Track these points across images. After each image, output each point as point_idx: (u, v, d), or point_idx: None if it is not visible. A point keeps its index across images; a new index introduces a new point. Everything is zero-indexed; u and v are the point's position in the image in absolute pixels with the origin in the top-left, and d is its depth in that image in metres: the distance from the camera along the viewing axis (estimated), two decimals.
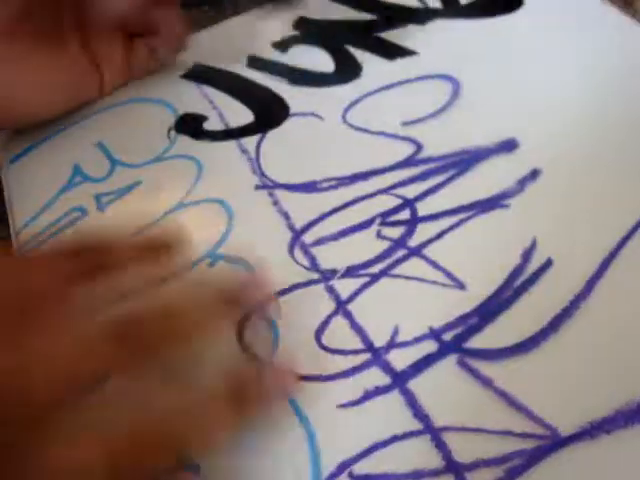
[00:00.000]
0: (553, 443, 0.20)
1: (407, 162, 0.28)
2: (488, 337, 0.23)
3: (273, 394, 0.22)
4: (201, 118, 0.32)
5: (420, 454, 0.21)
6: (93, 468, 0.18)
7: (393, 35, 0.33)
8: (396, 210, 0.26)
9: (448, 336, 0.23)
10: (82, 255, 0.22)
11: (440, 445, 0.21)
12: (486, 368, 0.22)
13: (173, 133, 0.31)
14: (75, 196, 0.30)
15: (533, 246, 0.25)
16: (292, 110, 0.31)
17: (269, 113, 0.31)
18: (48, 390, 0.18)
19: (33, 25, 0.29)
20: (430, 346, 0.23)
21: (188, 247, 0.25)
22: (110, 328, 0.20)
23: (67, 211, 0.29)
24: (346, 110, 0.30)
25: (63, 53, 0.30)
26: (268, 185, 0.28)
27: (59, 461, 0.18)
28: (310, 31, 0.35)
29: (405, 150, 0.28)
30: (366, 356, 0.23)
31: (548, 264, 0.24)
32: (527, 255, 0.24)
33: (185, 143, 0.31)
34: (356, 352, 0.23)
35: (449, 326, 0.23)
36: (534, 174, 0.27)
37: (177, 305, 0.21)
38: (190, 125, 0.31)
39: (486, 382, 0.22)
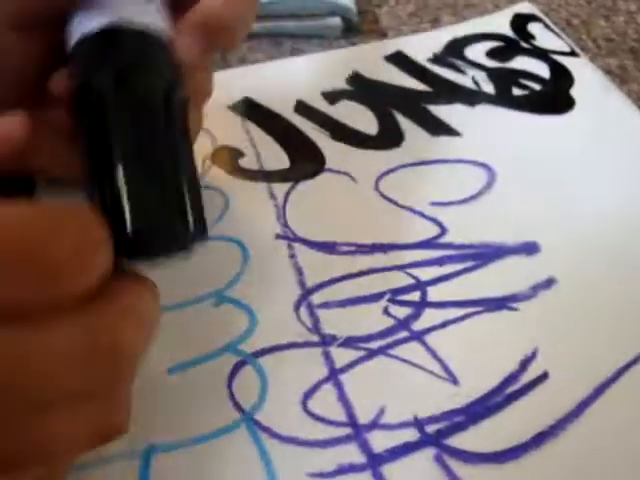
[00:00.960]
0: None
1: (428, 243, 0.28)
2: (470, 438, 0.23)
3: None
4: (238, 154, 0.32)
5: None
6: None
7: (441, 111, 0.34)
8: (407, 290, 0.27)
9: (431, 428, 0.23)
10: None
11: None
12: (461, 469, 0.22)
13: (208, 163, 0.32)
14: None
15: (533, 355, 0.25)
16: (327, 165, 0.32)
17: (305, 163, 0.32)
18: None
19: None
20: (411, 435, 0.23)
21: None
22: None
23: None
24: (380, 177, 0.31)
25: None
26: (289, 236, 0.29)
27: None
28: (362, 89, 0.35)
29: (428, 230, 0.29)
30: (347, 430, 0.23)
31: (544, 377, 0.24)
32: (525, 363, 0.24)
33: (217, 175, 0.31)
34: (338, 424, 0.23)
35: (434, 419, 0.23)
36: (549, 283, 0.27)
37: None
38: (225, 159, 0.32)
39: None
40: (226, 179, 0.31)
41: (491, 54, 0.37)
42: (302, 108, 0.34)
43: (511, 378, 0.24)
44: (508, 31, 0.38)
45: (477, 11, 0.42)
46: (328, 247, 0.28)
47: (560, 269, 0.27)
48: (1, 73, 0.25)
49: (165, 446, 0.23)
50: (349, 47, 0.39)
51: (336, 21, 0.40)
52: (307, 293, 0.27)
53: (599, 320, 0.26)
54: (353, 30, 0.41)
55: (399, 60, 0.37)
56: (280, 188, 0.31)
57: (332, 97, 0.35)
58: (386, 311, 0.26)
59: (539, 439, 0.23)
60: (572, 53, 0.37)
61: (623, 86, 0.37)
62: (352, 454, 0.23)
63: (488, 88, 0.35)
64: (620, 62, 0.39)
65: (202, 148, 0.32)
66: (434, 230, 0.29)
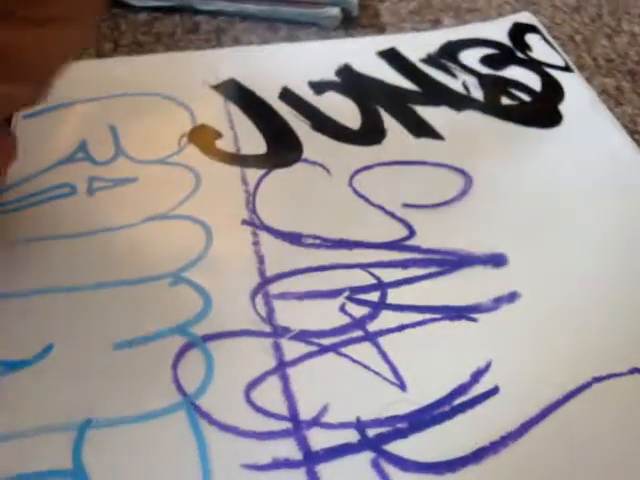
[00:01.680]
0: None
1: (394, 245, 0.28)
2: (410, 446, 0.22)
3: None
4: (216, 134, 0.32)
5: None
6: None
7: (427, 112, 0.33)
8: (367, 289, 0.26)
9: (372, 432, 0.23)
10: None
11: None
12: (397, 476, 0.22)
13: (184, 140, 0.31)
14: (72, 171, 0.30)
15: (486, 369, 0.24)
16: (304, 155, 0.31)
17: (282, 151, 0.31)
18: None
19: None
20: (351, 436, 0.22)
21: None
22: None
23: (59, 184, 0.29)
24: (355, 173, 0.30)
25: None
26: (255, 223, 0.28)
27: None
28: (349, 82, 0.35)
29: (397, 232, 0.28)
30: (287, 425, 0.23)
31: (494, 391, 0.24)
32: (477, 376, 0.24)
33: (192, 154, 0.31)
34: (279, 417, 0.23)
35: (377, 422, 0.23)
36: (512, 297, 0.26)
37: None
38: (202, 138, 0.32)
39: None
40: (201, 159, 0.31)
41: (485, 61, 0.37)
42: (287, 95, 0.34)
43: (461, 389, 0.24)
44: (505, 39, 0.38)
45: (480, 16, 0.41)
46: (293, 238, 0.28)
47: (525, 284, 0.27)
48: None
49: (102, 421, 0.22)
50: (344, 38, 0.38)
51: (335, 11, 0.39)
52: (265, 282, 0.26)
53: (557, 341, 0.25)
54: (352, 22, 0.40)
55: (392, 57, 0.36)
56: (253, 174, 0.30)
57: (319, 87, 0.34)
58: (343, 308, 0.26)
59: (479, 454, 0.22)
60: (566, 68, 0.36)
61: (617, 107, 0.36)
62: (289, 449, 0.22)
63: (477, 94, 0.35)
64: (617, 83, 0.38)
65: (181, 125, 0.32)
66: (403, 232, 0.28)
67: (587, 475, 0.22)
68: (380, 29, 0.40)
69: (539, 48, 0.38)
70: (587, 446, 0.22)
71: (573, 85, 0.35)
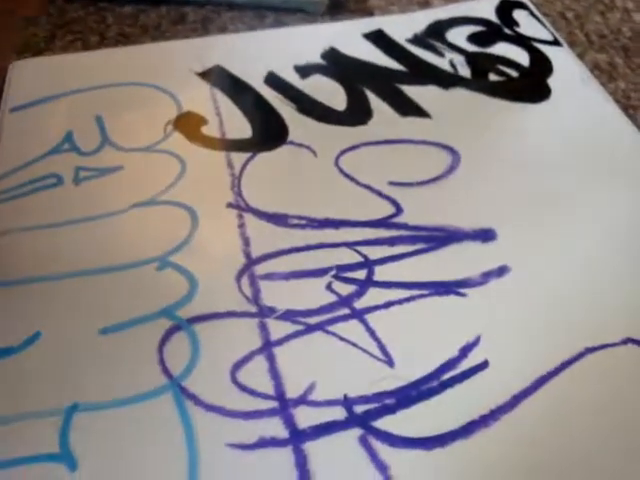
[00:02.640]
0: None
1: (381, 222, 0.27)
2: (398, 422, 0.22)
3: None
4: (202, 121, 0.32)
5: None
6: None
7: (413, 91, 0.33)
8: (354, 267, 0.26)
9: (359, 409, 0.22)
10: None
11: None
12: (385, 452, 0.21)
13: (170, 128, 0.31)
14: (58, 162, 0.30)
15: (475, 343, 0.24)
16: (290, 137, 0.31)
17: (268, 135, 0.31)
18: None
19: None
20: (339, 413, 0.22)
21: None
22: None
23: (45, 174, 0.29)
24: (341, 153, 0.30)
25: None
26: (240, 206, 0.28)
27: None
28: (335, 64, 0.35)
29: (383, 209, 0.28)
30: (273, 404, 0.22)
31: (483, 366, 0.23)
32: (465, 351, 0.24)
33: (178, 141, 0.31)
34: (265, 397, 0.23)
35: (364, 399, 0.22)
36: (501, 271, 0.26)
37: None
38: (188, 125, 0.31)
39: (381, 467, 0.21)
40: (186, 145, 0.31)
41: (472, 38, 0.36)
42: (272, 80, 0.34)
43: (450, 364, 0.23)
44: (492, 16, 0.38)
45: None
46: (279, 219, 0.28)
47: (514, 258, 0.26)
48: None
49: (88, 405, 0.22)
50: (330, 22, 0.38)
51: None
52: (251, 263, 0.26)
53: (547, 313, 0.25)
54: (339, 7, 0.40)
55: (378, 38, 0.36)
56: (239, 158, 0.30)
57: (304, 71, 0.34)
58: (329, 287, 0.25)
59: (469, 428, 0.22)
60: (555, 42, 0.36)
61: (610, 83, 0.36)
62: (275, 428, 0.22)
63: (465, 72, 0.34)
64: (610, 59, 0.38)
65: (167, 113, 0.32)
66: (389, 210, 0.28)
67: (580, 446, 0.21)
68: (368, 13, 0.40)
69: (527, 23, 0.37)
70: (580, 417, 0.22)
71: (562, 59, 0.35)
